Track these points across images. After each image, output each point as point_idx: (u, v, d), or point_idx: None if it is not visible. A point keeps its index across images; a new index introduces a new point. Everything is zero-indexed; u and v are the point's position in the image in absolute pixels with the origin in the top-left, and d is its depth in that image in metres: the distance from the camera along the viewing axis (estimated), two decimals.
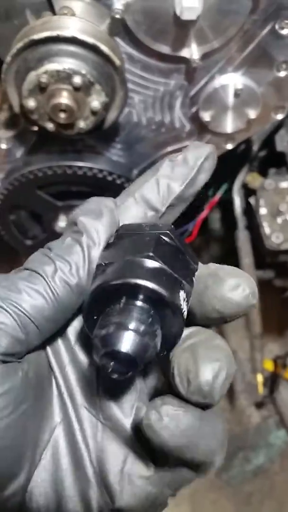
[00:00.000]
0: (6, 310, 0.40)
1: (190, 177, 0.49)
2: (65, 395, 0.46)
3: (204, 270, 0.46)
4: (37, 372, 0.45)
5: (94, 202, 0.50)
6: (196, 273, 0.45)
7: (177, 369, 0.40)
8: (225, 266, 0.45)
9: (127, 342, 0.37)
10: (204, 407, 0.41)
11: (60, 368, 0.47)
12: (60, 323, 0.43)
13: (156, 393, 0.47)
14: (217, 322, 0.45)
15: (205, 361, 0.40)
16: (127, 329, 0.37)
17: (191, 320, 0.45)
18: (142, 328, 0.37)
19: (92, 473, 0.44)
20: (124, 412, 0.46)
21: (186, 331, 0.43)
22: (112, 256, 0.42)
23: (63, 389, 0.47)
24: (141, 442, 0.44)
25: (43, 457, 0.44)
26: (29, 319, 0.40)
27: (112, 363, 0.37)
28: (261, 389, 1.47)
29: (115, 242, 0.45)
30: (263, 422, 2.01)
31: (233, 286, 0.43)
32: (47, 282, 0.41)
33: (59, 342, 0.47)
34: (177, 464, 0.43)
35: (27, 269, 0.43)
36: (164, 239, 0.44)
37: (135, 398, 0.46)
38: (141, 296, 0.38)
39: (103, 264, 0.42)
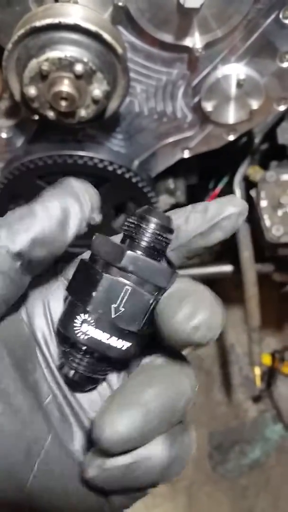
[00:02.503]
0: None
1: (201, 230, 0.45)
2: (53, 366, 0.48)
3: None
4: (15, 349, 0.45)
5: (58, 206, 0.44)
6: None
7: (95, 418, 0.42)
8: (188, 285, 0.43)
9: (77, 381, 0.47)
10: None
11: (44, 339, 0.48)
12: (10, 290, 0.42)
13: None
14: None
15: (106, 422, 0.40)
16: (78, 372, 0.46)
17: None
18: (87, 371, 0.46)
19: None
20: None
21: (142, 363, 0.47)
22: (100, 302, 0.44)
23: (50, 359, 0.48)
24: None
25: None
26: None
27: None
28: (258, 382, 1.47)
29: (109, 280, 0.44)
30: (259, 416, 2.02)
31: (187, 315, 0.40)
32: None
33: (41, 315, 0.48)
34: None
35: None
36: (155, 300, 0.44)
37: None
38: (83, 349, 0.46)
39: (83, 305, 0.45)
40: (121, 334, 0.44)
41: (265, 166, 1.26)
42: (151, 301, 0.43)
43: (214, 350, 2.09)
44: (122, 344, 0.44)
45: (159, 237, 0.45)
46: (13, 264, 0.41)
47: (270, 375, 1.97)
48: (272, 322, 2.02)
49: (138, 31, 0.86)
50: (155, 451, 0.42)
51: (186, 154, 1.04)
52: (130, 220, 0.47)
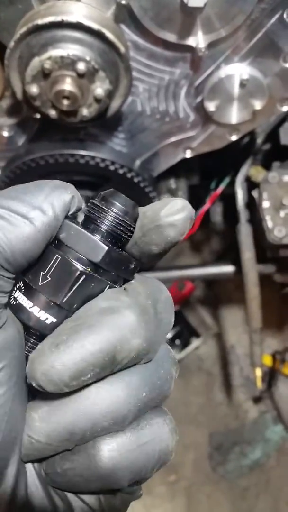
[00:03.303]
0: None
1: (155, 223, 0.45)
2: None
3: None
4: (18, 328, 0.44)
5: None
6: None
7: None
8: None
9: None
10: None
11: None
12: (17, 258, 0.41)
13: None
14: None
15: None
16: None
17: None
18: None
19: None
20: None
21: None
22: (34, 269, 0.43)
23: None
24: None
25: None
26: None
27: None
28: (259, 384, 1.46)
29: (48, 248, 0.43)
30: (260, 417, 2.01)
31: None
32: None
33: None
34: None
35: None
36: (87, 275, 0.42)
37: None
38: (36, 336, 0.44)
39: (25, 279, 0.44)
40: (45, 305, 0.42)
41: (267, 166, 1.26)
42: (78, 273, 0.42)
43: (214, 350, 2.09)
44: (45, 317, 0.42)
45: (119, 222, 0.44)
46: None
47: (270, 376, 1.97)
48: (273, 323, 2.01)
49: (141, 30, 0.86)
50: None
51: (188, 154, 1.04)
52: (93, 201, 0.46)
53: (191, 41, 0.86)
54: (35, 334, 0.44)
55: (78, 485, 0.41)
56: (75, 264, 0.42)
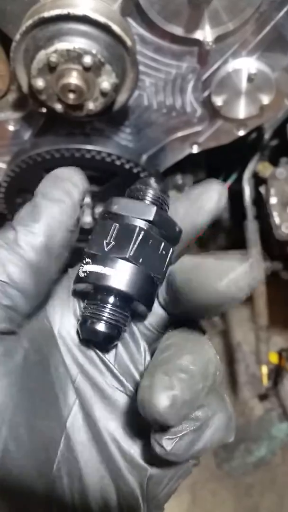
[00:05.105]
0: None
1: (190, 214, 0.51)
2: (75, 370, 0.48)
3: (188, 262, 0.46)
4: (40, 347, 0.45)
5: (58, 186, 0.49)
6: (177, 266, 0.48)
7: (139, 394, 0.41)
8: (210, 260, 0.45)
9: (101, 331, 0.47)
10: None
11: (66, 343, 0.48)
12: (41, 285, 0.45)
13: None
14: (205, 312, 0.46)
15: (158, 390, 0.40)
16: (100, 320, 0.47)
17: (178, 306, 0.47)
18: (112, 318, 0.48)
19: (111, 444, 0.46)
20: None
21: (165, 336, 0.46)
22: (96, 243, 0.49)
23: (72, 362, 0.48)
24: None
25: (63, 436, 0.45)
26: (5, 282, 0.42)
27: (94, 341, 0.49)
28: (265, 381, 1.46)
29: (101, 223, 0.50)
30: (266, 414, 2.00)
31: (219, 276, 0.42)
32: (11, 247, 0.43)
33: (66, 315, 0.49)
34: None
35: None
36: (145, 231, 0.48)
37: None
38: (112, 297, 0.48)
39: (86, 251, 0.49)
40: (115, 263, 0.47)
41: (275, 162, 1.25)
42: (138, 229, 0.48)
43: (220, 348, 2.08)
44: (116, 272, 0.47)
45: (159, 197, 0.51)
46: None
47: (276, 373, 1.96)
48: (280, 320, 2.00)
49: (147, 23, 0.85)
50: (215, 409, 0.44)
51: (195, 149, 1.03)
52: (132, 187, 0.52)
53: (198, 35, 0.85)
54: (112, 293, 0.48)
55: None
56: (134, 222, 0.48)
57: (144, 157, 1.02)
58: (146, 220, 0.48)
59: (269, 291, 1.37)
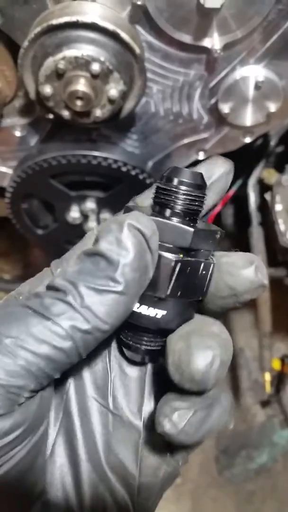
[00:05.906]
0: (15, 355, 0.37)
1: None
2: (74, 387, 0.47)
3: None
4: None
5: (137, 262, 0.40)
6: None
7: (171, 358, 0.40)
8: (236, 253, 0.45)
9: (140, 356, 0.47)
10: (198, 392, 0.41)
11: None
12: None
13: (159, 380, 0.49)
14: (228, 304, 0.45)
15: (198, 350, 0.39)
16: (141, 347, 0.47)
17: (202, 306, 0.46)
18: (149, 346, 0.46)
19: (105, 460, 0.45)
20: (132, 402, 0.48)
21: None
22: None
23: (72, 382, 0.47)
24: (154, 435, 0.44)
25: (57, 448, 0.45)
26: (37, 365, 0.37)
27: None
28: (268, 388, 1.45)
29: None
30: (267, 421, 2.00)
31: (245, 264, 0.43)
32: (59, 326, 0.37)
33: None
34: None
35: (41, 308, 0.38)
36: (182, 261, 0.42)
37: (142, 388, 0.49)
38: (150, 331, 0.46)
39: None
40: (152, 302, 0.43)
41: (280, 169, 1.25)
42: (173, 264, 0.42)
43: None
44: (155, 313, 0.43)
45: (193, 198, 0.44)
46: None
47: (279, 380, 1.95)
48: (283, 327, 2.00)
49: (156, 31, 0.85)
50: (220, 392, 0.44)
51: (201, 156, 1.03)
52: (159, 185, 0.45)
53: (206, 43, 0.85)
54: (148, 331, 0.45)
55: None
56: (168, 256, 0.42)
57: (150, 164, 1.02)
58: (182, 248, 0.42)
59: (272, 297, 1.37)
